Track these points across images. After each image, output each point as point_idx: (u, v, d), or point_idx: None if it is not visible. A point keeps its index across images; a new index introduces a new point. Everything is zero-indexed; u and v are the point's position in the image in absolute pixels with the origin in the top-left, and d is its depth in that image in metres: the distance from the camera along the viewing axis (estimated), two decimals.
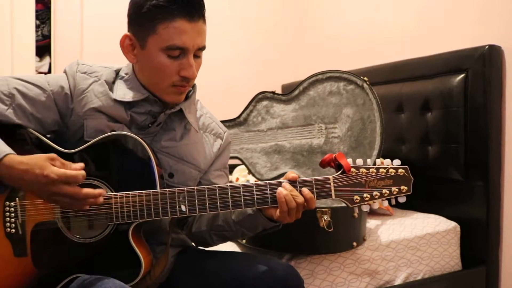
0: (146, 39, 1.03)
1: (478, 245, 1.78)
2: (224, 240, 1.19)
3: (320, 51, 2.83)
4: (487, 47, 1.71)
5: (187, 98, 1.15)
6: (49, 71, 2.49)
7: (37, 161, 0.89)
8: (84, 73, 1.10)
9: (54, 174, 0.87)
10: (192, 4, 1.01)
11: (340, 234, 1.48)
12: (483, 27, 1.82)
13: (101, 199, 0.93)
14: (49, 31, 2.50)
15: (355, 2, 2.55)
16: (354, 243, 1.51)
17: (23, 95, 1.03)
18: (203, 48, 1.07)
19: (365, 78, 1.66)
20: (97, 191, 0.92)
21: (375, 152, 1.62)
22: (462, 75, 1.77)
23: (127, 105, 1.09)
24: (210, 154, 1.20)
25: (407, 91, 2.00)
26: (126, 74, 1.11)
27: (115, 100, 1.07)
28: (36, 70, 2.47)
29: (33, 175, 0.88)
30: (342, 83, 1.72)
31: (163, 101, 1.10)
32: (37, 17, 2.48)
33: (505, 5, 1.75)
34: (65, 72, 1.11)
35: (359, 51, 2.50)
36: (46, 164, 0.88)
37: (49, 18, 2.50)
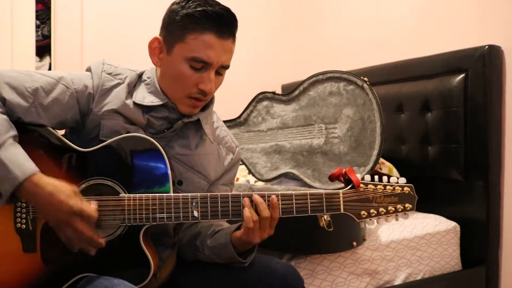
0: (173, 45, 1.04)
1: (478, 245, 1.78)
2: (196, 259, 1.16)
3: (320, 51, 2.83)
4: (487, 47, 1.71)
5: (205, 108, 1.15)
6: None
7: (63, 188, 0.91)
8: (110, 74, 1.09)
9: (76, 207, 0.90)
10: (224, 21, 1.02)
11: (340, 234, 1.48)
12: (483, 27, 1.83)
13: (93, 252, 0.95)
14: (49, 31, 2.50)
15: (355, 2, 2.55)
16: (354, 243, 1.51)
17: (47, 93, 1.02)
18: (226, 67, 1.08)
19: (365, 79, 1.66)
20: (100, 240, 0.94)
21: (375, 152, 1.62)
22: (462, 75, 1.77)
23: (145, 108, 1.09)
24: (221, 167, 1.20)
25: (407, 91, 2.00)
26: (149, 78, 1.12)
27: (134, 103, 1.08)
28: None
29: (57, 199, 0.90)
30: (342, 83, 1.73)
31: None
32: (37, 17, 2.48)
33: (505, 5, 1.75)
34: (89, 70, 1.11)
35: (359, 51, 2.50)
36: (72, 195, 0.91)
37: (49, 18, 2.50)
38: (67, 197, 0.90)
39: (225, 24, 1.03)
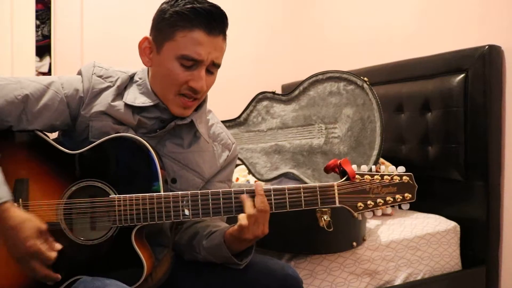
0: (163, 44, 1.04)
1: (478, 245, 1.78)
2: (194, 259, 1.15)
3: (320, 51, 2.83)
4: (487, 47, 1.71)
5: (198, 108, 1.14)
6: (49, 71, 2.49)
7: (27, 226, 0.90)
8: (100, 76, 1.09)
9: (33, 249, 0.89)
10: (213, 18, 1.02)
11: (340, 234, 1.48)
12: (483, 27, 1.82)
13: (52, 283, 0.95)
14: (49, 31, 2.50)
15: (355, 2, 2.55)
16: (354, 243, 1.51)
17: (37, 99, 1.02)
18: (217, 65, 1.07)
19: (365, 78, 1.66)
20: (54, 276, 0.94)
21: (375, 152, 1.62)
22: (462, 75, 1.77)
23: (136, 109, 1.08)
24: (216, 164, 1.19)
25: (407, 91, 2.00)
26: (140, 78, 1.11)
27: (125, 104, 1.07)
28: (36, 70, 2.47)
29: (15, 235, 0.89)
30: (342, 83, 1.72)
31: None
32: (37, 17, 2.47)
33: (505, 5, 1.75)
34: (80, 73, 1.11)
35: (359, 51, 2.50)
36: (33, 235, 0.90)
37: (49, 18, 2.50)
38: (27, 236, 0.89)
39: (214, 21, 1.02)
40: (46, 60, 2.50)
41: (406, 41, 2.20)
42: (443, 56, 1.88)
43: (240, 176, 2.29)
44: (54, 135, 1.13)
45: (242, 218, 0.98)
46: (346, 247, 1.51)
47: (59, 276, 0.94)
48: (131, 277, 0.97)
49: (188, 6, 1.00)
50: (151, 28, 1.08)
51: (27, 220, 0.90)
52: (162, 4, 1.06)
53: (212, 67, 1.06)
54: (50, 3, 2.50)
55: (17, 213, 0.90)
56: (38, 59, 2.49)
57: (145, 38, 1.08)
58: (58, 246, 0.94)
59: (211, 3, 1.04)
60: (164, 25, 1.03)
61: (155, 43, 1.06)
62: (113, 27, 2.61)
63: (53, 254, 0.92)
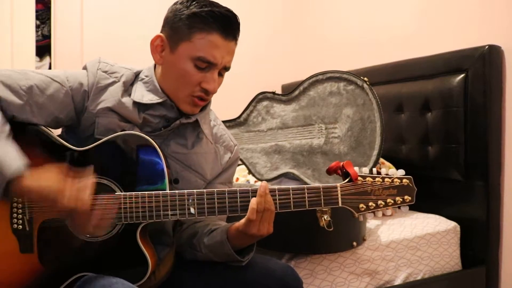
0: (178, 44, 1.05)
1: (478, 245, 1.78)
2: (194, 258, 1.15)
3: (320, 51, 2.83)
4: (487, 47, 1.71)
5: (203, 108, 1.16)
6: None
7: (50, 185, 0.89)
8: (105, 72, 1.09)
9: (68, 207, 0.89)
10: (230, 23, 1.05)
11: (340, 234, 1.48)
12: (483, 27, 1.83)
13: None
14: (49, 31, 2.50)
15: (355, 2, 2.55)
16: (354, 243, 1.51)
17: (42, 91, 1.02)
18: (228, 68, 1.10)
19: (365, 79, 1.66)
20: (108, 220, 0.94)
21: (375, 152, 1.62)
22: (462, 75, 1.77)
23: (142, 107, 1.09)
24: (218, 165, 1.20)
25: (407, 91, 2.00)
26: (147, 76, 1.12)
27: (133, 101, 1.08)
28: None
29: (48, 200, 0.89)
30: (342, 83, 1.72)
31: (179, 108, 1.11)
32: (37, 17, 2.48)
33: (505, 5, 1.75)
34: (85, 68, 1.11)
35: (359, 51, 2.50)
36: (59, 195, 0.89)
37: (49, 18, 2.50)
38: (55, 198, 0.89)
39: (230, 26, 1.05)
40: (46, 60, 2.50)
41: (406, 41, 2.20)
42: (443, 56, 1.88)
43: (240, 176, 2.29)
44: (58, 131, 1.13)
45: (251, 212, 0.98)
46: (346, 247, 1.51)
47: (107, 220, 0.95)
48: (135, 274, 0.97)
49: (206, 9, 1.02)
50: (163, 26, 1.09)
51: (47, 180, 0.90)
52: (175, 4, 1.07)
53: (223, 70, 1.09)
54: (50, 3, 2.50)
55: (36, 180, 0.89)
56: (38, 59, 2.49)
57: (158, 36, 1.08)
58: (88, 171, 0.94)
59: (226, 7, 1.06)
60: (181, 26, 1.04)
61: (168, 42, 1.07)
62: (113, 27, 2.61)
63: (87, 202, 0.90)
